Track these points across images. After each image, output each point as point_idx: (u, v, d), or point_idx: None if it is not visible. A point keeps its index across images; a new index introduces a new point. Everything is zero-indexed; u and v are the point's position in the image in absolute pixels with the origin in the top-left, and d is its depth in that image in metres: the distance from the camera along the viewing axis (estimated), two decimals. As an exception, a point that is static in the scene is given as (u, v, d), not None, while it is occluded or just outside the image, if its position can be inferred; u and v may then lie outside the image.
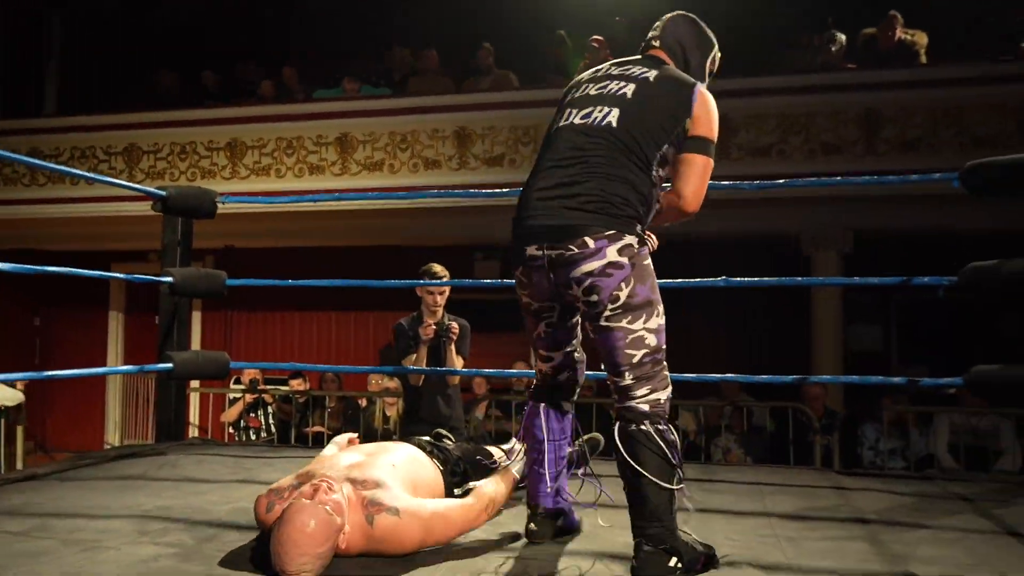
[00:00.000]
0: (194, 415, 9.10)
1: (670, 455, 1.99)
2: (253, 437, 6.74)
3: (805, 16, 7.44)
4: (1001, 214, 6.15)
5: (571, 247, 2.01)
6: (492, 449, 2.85)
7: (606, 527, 2.32)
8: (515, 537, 2.36)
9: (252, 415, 6.85)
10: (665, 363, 2.09)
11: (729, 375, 3.74)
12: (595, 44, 7.12)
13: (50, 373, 3.89)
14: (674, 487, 2.00)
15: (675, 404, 6.32)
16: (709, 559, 2.08)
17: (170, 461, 3.61)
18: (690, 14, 2.36)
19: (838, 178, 3.87)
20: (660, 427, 2.01)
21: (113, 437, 9.81)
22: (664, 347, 2.09)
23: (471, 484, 2.41)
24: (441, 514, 2.15)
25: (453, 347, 4.22)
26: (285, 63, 8.35)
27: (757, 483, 3.26)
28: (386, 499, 2.07)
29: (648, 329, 2.04)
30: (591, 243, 2.00)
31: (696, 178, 2.11)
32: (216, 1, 9.63)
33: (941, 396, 5.79)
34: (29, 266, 3.22)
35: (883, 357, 8.25)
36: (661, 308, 2.08)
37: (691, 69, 2.28)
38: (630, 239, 2.03)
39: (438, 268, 4.27)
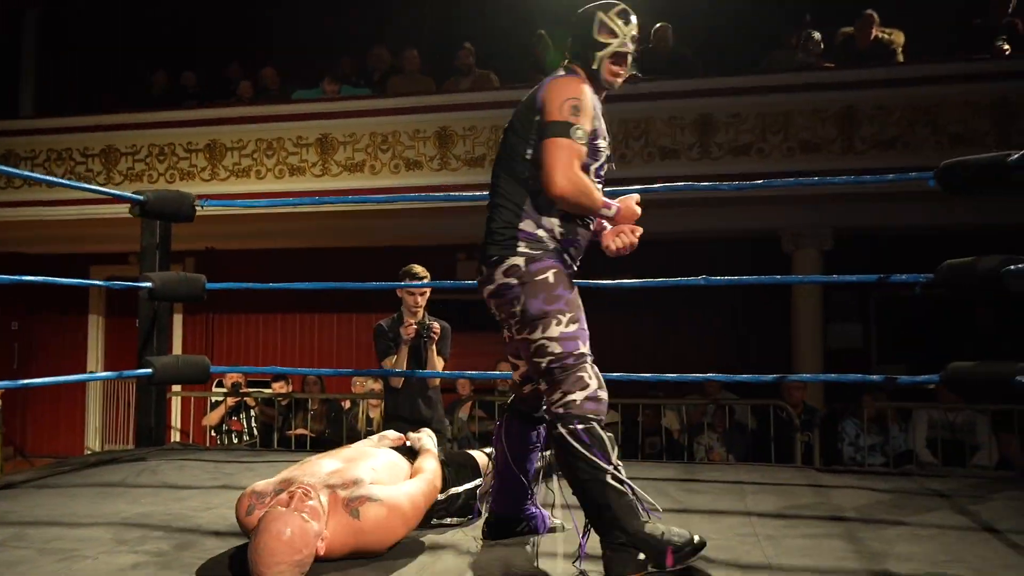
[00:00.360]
0: (176, 419, 9.05)
1: (589, 453, 2.05)
2: (235, 440, 6.70)
3: (788, 16, 7.49)
4: (979, 211, 6.22)
5: (480, 276, 2.27)
6: (475, 453, 2.85)
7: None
8: (494, 542, 2.37)
9: (235, 418, 6.80)
10: (580, 366, 2.14)
11: (709, 375, 3.76)
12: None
13: (26, 381, 3.87)
14: (609, 482, 2.04)
15: (659, 403, 6.40)
16: (691, 547, 2.07)
17: (150, 467, 3.58)
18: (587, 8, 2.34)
19: (815, 178, 3.88)
20: (575, 427, 2.08)
21: (94, 442, 9.73)
22: (575, 352, 2.14)
23: (418, 464, 2.47)
24: (413, 497, 2.23)
25: (434, 348, 4.21)
26: (266, 63, 8.30)
27: (738, 482, 3.27)
28: (365, 492, 2.12)
29: (549, 338, 2.14)
30: (484, 270, 2.24)
31: (549, 161, 2.12)
32: (197, 2, 9.58)
33: (920, 391, 5.85)
34: (5, 276, 3.19)
35: (863, 354, 8.33)
36: (565, 317, 2.15)
37: (579, 54, 2.30)
38: (515, 260, 2.17)
39: (418, 269, 4.27)
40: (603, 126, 2.28)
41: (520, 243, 2.18)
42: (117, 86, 9.01)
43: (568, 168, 2.11)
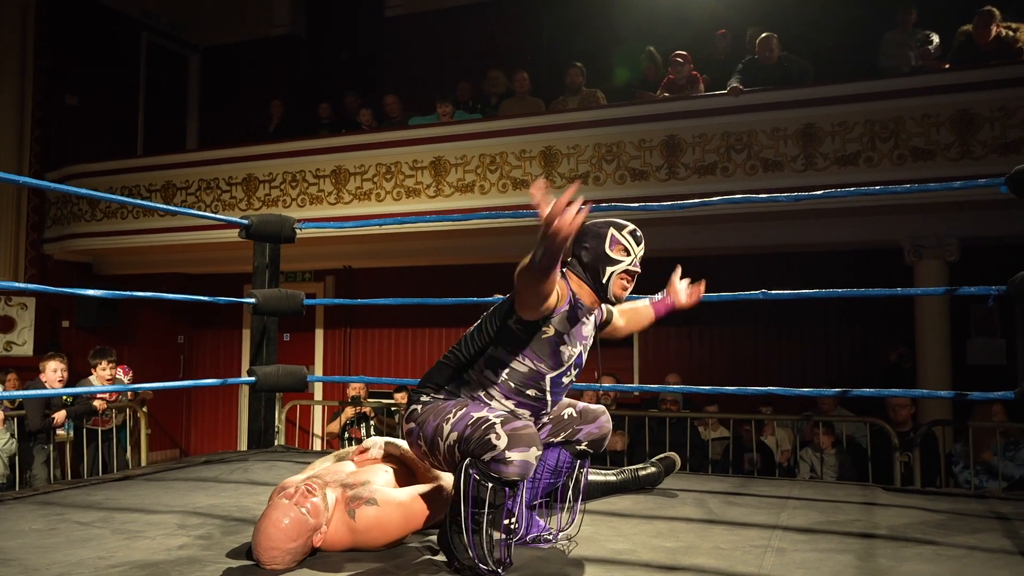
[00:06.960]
0: (316, 426, 9.75)
1: (462, 496, 2.12)
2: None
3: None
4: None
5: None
6: None
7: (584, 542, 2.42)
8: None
9: (355, 427, 7.27)
10: (481, 428, 2.14)
11: (791, 389, 3.72)
12: (679, 59, 7.13)
13: (136, 386, 4.34)
14: (459, 522, 2.13)
15: (767, 419, 6.26)
16: None
17: (245, 466, 3.96)
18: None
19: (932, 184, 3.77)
20: (470, 471, 2.12)
21: (244, 444, 10.58)
22: (469, 423, 2.17)
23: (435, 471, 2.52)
24: (414, 500, 2.34)
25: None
26: (390, 92, 8.84)
27: (787, 497, 3.24)
28: (365, 492, 2.29)
29: (445, 438, 2.23)
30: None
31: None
32: (329, 43, 10.34)
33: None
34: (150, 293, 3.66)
35: (1007, 371, 7.78)
36: (451, 413, 2.23)
37: (589, 265, 2.36)
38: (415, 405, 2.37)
39: None
40: (578, 336, 2.33)
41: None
42: (265, 122, 9.86)
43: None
